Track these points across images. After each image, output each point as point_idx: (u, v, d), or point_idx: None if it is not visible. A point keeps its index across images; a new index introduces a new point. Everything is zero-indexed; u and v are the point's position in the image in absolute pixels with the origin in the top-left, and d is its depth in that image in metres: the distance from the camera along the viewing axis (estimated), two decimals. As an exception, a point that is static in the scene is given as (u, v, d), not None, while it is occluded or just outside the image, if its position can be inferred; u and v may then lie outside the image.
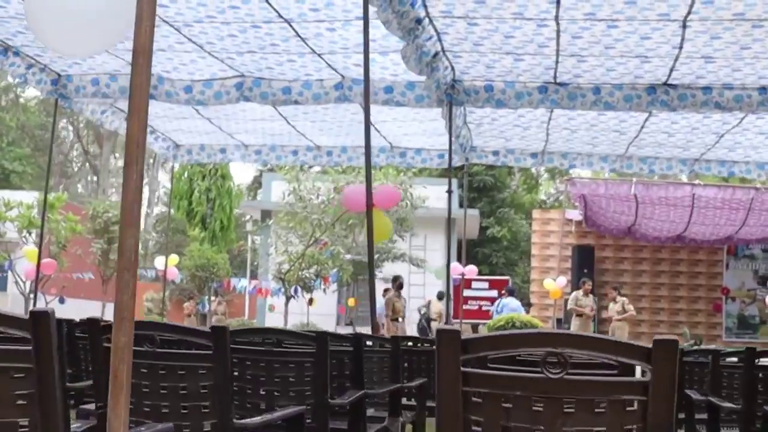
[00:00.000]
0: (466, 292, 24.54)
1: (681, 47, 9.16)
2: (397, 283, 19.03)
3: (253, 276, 30.70)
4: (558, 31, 8.87)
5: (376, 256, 23.74)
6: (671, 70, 9.93)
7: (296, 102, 11.13)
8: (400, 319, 18.34)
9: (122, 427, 2.44)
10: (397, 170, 22.65)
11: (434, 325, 20.02)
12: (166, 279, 17.12)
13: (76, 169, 54.48)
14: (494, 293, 24.22)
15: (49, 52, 10.67)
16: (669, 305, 24.47)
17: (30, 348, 2.65)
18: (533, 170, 40.59)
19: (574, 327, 19.00)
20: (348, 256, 22.78)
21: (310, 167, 23.82)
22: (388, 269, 24.37)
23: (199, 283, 24.75)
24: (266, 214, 27.79)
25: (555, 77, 10.45)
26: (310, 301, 22.42)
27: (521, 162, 15.39)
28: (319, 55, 10.01)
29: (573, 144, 14.06)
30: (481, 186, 36.61)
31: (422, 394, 6.29)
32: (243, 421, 3.70)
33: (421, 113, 12.48)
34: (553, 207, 38.88)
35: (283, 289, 22.35)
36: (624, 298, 19.29)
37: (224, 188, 27.18)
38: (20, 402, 2.66)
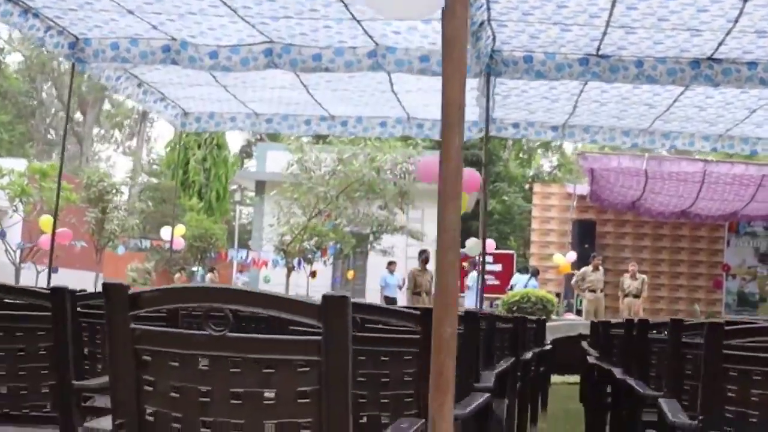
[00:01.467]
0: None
1: (737, 21, 8.87)
2: (423, 257, 18.66)
3: (241, 247, 30.31)
4: (614, 1, 8.56)
5: (374, 229, 23.47)
6: (719, 44, 9.64)
7: (327, 69, 10.73)
8: (423, 294, 17.96)
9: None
10: (406, 142, 22.32)
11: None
12: (173, 249, 16.77)
13: (56, 137, 53.67)
14: (498, 267, 23.97)
15: (69, 14, 10.29)
16: (669, 281, 24.37)
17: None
18: (524, 144, 40.32)
19: (586, 303, 18.82)
20: (347, 229, 22.43)
21: (324, 138, 23.37)
22: (386, 241, 24.08)
23: (196, 254, 24.34)
24: (261, 185, 27.38)
25: (598, 49, 10.13)
26: (313, 274, 22.12)
27: (541, 135, 15.15)
28: (358, 21, 9.63)
29: (598, 117, 13.78)
30: (475, 159, 36.21)
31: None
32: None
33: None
34: (544, 181, 38.73)
35: (283, 261, 22.04)
36: (644, 276, 19.14)
37: (220, 158, 26.71)
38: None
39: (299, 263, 21.44)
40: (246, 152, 45.39)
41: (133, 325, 2.20)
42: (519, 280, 20.30)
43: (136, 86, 13.34)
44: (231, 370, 2.10)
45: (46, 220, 15.40)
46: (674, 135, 14.41)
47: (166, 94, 14.20)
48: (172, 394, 2.16)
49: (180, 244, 18.58)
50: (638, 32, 9.42)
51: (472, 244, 11.79)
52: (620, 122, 13.96)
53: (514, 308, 15.42)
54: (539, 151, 40.37)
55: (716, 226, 24.13)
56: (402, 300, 19.67)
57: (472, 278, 20.16)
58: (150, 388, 2.20)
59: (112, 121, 48.95)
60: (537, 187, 26.46)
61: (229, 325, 2.10)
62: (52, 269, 13.00)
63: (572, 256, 19.48)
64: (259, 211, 27.10)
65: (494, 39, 10.00)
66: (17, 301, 3.64)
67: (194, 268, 29.76)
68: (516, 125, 14.74)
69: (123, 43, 11.01)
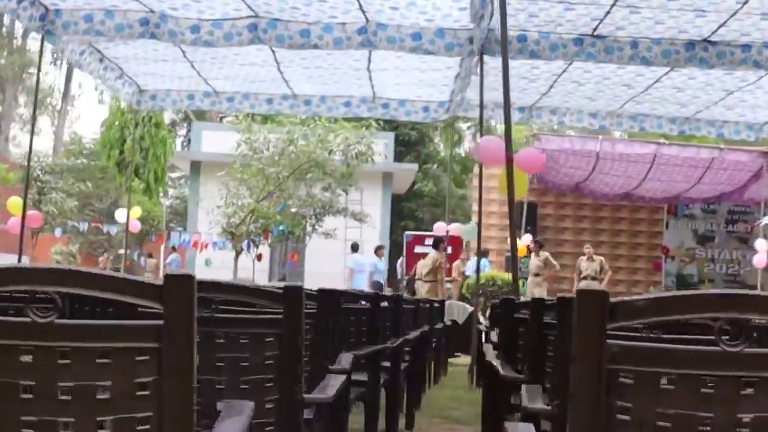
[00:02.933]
0: (418, 249, 24.12)
1: (746, 2, 8.80)
2: (443, 245, 18.24)
3: (167, 229, 29.57)
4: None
5: (317, 210, 23.10)
6: (720, 26, 9.58)
7: (315, 46, 10.37)
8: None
9: None
10: (360, 123, 21.94)
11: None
12: (129, 232, 16.17)
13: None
14: (449, 249, 23.80)
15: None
16: (609, 263, 24.29)
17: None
18: (457, 125, 40.25)
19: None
20: (294, 210, 22.02)
21: (273, 117, 22.80)
22: (328, 223, 23.74)
23: (139, 236, 23.61)
24: (196, 166, 26.72)
25: (595, 30, 9.98)
26: (259, 257, 21.67)
27: (507, 116, 14.97)
28: (357, -6, 9.30)
29: (570, 98, 13.70)
30: (408, 140, 36.14)
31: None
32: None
33: (428, 62, 11.91)
34: (466, 163, 38.73)
35: (225, 244, 21.56)
36: (601, 257, 19.14)
37: (158, 137, 25.93)
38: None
39: (248, 246, 20.98)
40: (168, 131, 44.28)
41: (608, 341, 1.86)
42: (471, 262, 20.16)
43: (97, 61, 12.75)
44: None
45: (14, 203, 14.64)
46: (641, 118, 14.46)
47: (126, 70, 13.62)
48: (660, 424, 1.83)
49: (137, 226, 17.94)
50: (643, 11, 9.29)
51: (470, 228, 11.58)
52: (591, 103, 13.90)
53: (480, 292, 15.29)
54: (471, 131, 40.30)
55: (655, 209, 24.38)
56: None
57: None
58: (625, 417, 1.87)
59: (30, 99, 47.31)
60: (477, 169, 26.33)
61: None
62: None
63: (527, 238, 19.42)
64: (195, 193, 26.43)
65: (491, 18, 9.76)
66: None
67: (122, 251, 29.01)
68: (484, 106, 14.57)
69: (98, 15, 10.45)
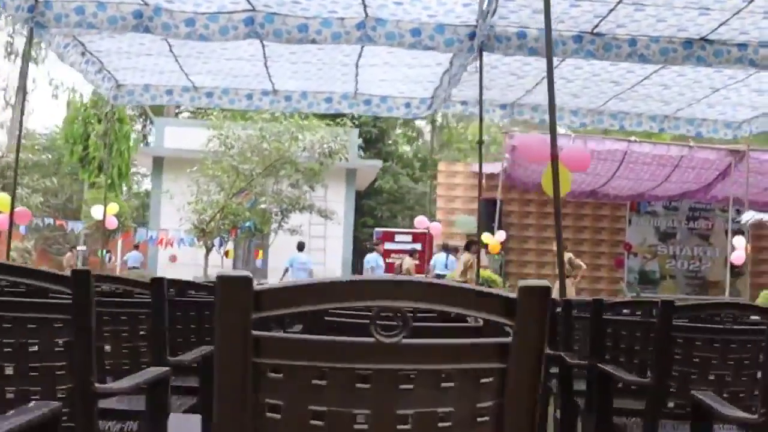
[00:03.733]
0: (389, 245, 24.06)
1: (752, 0, 8.87)
2: (475, 247, 18.04)
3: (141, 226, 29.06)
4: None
5: (282, 207, 22.90)
6: (720, 24, 9.66)
7: (313, 41, 10.25)
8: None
9: None
10: (335, 121, 21.81)
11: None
12: (105, 228, 15.86)
13: None
14: (418, 246, 23.82)
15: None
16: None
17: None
18: (416, 123, 40.31)
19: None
20: (263, 206, 21.80)
21: (244, 114, 22.50)
22: (294, 220, 23.56)
23: (102, 234, 23.14)
24: (159, 162, 26.35)
25: (595, 27, 10.01)
26: (227, 253, 21.45)
27: (489, 113, 14.99)
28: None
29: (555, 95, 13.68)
30: (369, 137, 36.05)
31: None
32: None
33: (419, 58, 11.86)
34: (425, 160, 38.81)
35: (193, 240, 21.30)
36: (570, 254, 19.13)
37: (122, 132, 25.47)
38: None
39: (220, 243, 20.75)
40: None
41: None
42: (439, 259, 20.17)
43: (79, 55, 12.48)
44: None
45: (2, 200, 14.26)
46: (622, 116, 14.54)
47: (106, 64, 13.37)
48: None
49: (113, 223, 17.59)
50: (647, 9, 9.32)
51: (465, 221, 11.55)
52: (574, 101, 13.94)
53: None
54: (427, 128, 40.38)
55: (618, 206, 24.64)
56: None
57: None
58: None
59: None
60: (442, 166, 26.40)
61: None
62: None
63: (501, 235, 19.47)
64: (158, 189, 26.06)
65: (494, 13, 9.73)
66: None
67: (81, 247, 28.52)
68: (464, 102, 14.60)
69: (89, 7, 10.22)
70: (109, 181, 23.28)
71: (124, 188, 27.03)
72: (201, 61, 12.91)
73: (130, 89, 14.52)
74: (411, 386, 1.65)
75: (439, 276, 20.16)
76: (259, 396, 1.63)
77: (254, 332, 1.61)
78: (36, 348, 2.79)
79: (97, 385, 2.87)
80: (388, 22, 10.09)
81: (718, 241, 24.59)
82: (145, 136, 39.87)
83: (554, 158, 6.54)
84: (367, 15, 10.04)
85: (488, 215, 23.40)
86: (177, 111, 32.99)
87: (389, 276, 1.71)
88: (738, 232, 20.94)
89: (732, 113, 13.95)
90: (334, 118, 21.64)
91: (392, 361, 1.65)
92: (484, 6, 9.04)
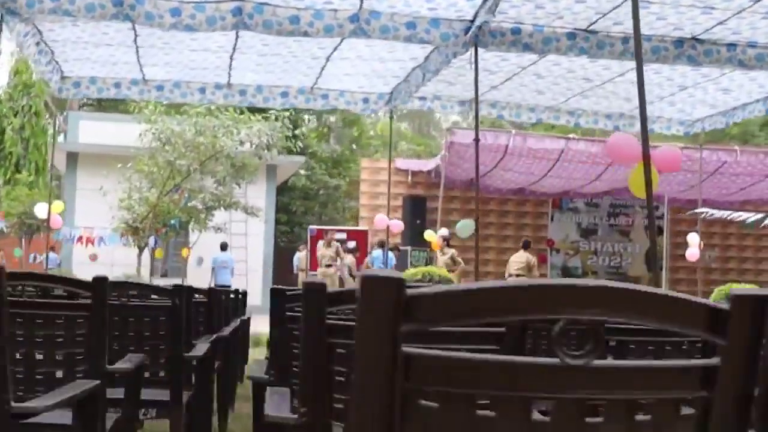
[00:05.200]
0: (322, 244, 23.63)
1: (758, 0, 8.94)
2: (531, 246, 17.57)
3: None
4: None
5: (208, 204, 22.31)
6: (717, 23, 9.72)
7: (305, 33, 9.89)
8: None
9: None
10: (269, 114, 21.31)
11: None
12: (51, 228, 15.07)
13: None
14: (353, 244, 23.49)
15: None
16: (496, 256, 24.78)
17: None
18: (330, 118, 39.99)
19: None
20: (192, 203, 21.17)
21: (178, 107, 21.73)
22: (219, 218, 23.01)
23: (27, 231, 22.18)
24: (72, 157, 25.33)
25: (591, 24, 9.95)
26: (158, 252, 20.78)
27: (447, 108, 14.94)
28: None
29: (513, 92, 13.68)
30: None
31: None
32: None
33: (395, 52, 11.65)
34: (342, 154, 38.55)
35: (114, 238, 20.58)
36: (453, 250, 18.83)
37: (38, 126, 24.37)
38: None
39: (155, 242, 20.07)
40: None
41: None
42: (377, 256, 19.95)
43: (35, 44, 11.79)
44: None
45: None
46: (578, 113, 14.59)
47: (56, 54, 12.68)
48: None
49: (59, 222, 16.72)
50: (651, 7, 9.30)
51: (463, 226, 11.36)
52: (537, 97, 13.91)
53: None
54: (340, 124, 40.09)
55: (540, 202, 24.84)
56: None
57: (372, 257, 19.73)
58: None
59: None
60: (365, 162, 26.18)
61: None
62: None
63: (444, 231, 19.32)
64: (72, 186, 25.07)
65: (494, 8, 9.56)
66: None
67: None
68: (423, 98, 14.46)
69: (66, -8, 9.61)
70: (32, 178, 22.40)
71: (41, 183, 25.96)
72: (163, 52, 12.39)
73: (76, 81, 13.86)
74: (599, 419, 1.31)
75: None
76: (407, 429, 1.28)
77: (405, 348, 1.26)
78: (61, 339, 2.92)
79: (13, 404, 2.74)
80: (382, 15, 9.82)
81: (638, 237, 25.04)
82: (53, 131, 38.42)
83: (646, 159, 6.39)
84: (361, 7, 9.73)
85: (413, 212, 23.38)
86: (81, 104, 31.82)
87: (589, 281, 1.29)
88: (659, 228, 21.35)
89: (690, 110, 14.21)
90: (262, 112, 21.17)
91: (579, 387, 1.29)
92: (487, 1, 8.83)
